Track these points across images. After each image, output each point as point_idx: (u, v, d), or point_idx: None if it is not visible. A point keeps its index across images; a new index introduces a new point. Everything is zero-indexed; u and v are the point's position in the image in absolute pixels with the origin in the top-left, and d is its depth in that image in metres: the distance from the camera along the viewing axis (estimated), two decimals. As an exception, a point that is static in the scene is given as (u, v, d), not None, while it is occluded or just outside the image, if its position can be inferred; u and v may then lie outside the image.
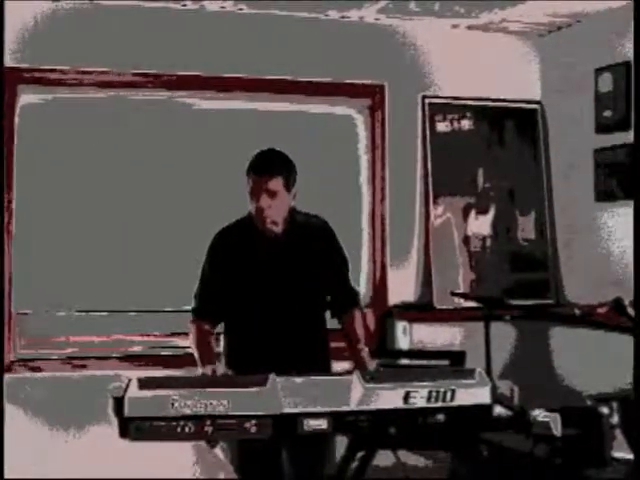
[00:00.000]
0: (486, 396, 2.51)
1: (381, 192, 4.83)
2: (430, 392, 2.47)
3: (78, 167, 4.45)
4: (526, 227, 5.04)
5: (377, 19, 4.77)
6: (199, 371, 3.02)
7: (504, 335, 4.70)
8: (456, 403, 2.48)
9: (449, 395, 2.48)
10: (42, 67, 4.32)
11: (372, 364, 3.17)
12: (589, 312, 4.27)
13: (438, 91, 4.93)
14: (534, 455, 2.86)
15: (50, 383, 4.28)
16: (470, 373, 2.56)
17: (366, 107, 4.87)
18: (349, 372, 2.60)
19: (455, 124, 4.97)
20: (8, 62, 4.00)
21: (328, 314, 3.40)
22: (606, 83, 4.58)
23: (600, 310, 4.14)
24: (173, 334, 4.48)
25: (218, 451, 3.45)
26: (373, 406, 2.44)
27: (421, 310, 4.80)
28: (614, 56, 4.50)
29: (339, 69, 4.74)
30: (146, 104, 4.55)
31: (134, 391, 2.39)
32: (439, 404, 2.47)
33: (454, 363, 4.08)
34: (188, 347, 3.27)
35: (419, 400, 2.46)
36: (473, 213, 4.95)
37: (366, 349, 3.23)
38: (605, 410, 2.94)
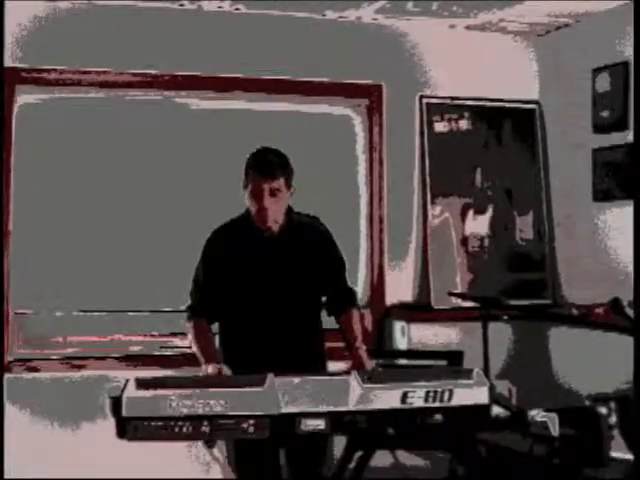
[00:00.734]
0: (484, 396, 2.51)
1: (379, 192, 4.82)
2: (428, 392, 2.47)
3: (76, 167, 4.44)
4: (524, 227, 5.04)
5: (375, 19, 4.77)
6: (202, 368, 2.99)
7: (502, 335, 4.70)
8: (454, 403, 2.49)
9: (447, 395, 2.48)
10: (40, 67, 4.32)
11: (370, 364, 3.17)
12: (587, 312, 4.27)
13: (436, 91, 4.92)
14: (532, 455, 2.86)
15: (48, 383, 4.27)
16: (468, 373, 2.56)
17: (364, 107, 4.87)
18: (347, 372, 2.60)
19: (453, 124, 4.96)
20: (7, 62, 3.99)
21: (324, 314, 3.39)
22: (604, 83, 4.58)
23: (598, 310, 4.14)
24: (172, 334, 4.48)
25: (216, 451, 3.46)
26: (371, 406, 2.45)
27: (419, 310, 4.78)
28: (612, 56, 4.50)
29: (337, 69, 4.74)
30: (144, 104, 4.55)
31: (132, 391, 2.40)
32: (437, 404, 2.48)
33: (452, 363, 4.08)
34: (187, 347, 3.25)
35: (417, 400, 2.47)
36: (471, 213, 4.94)
37: (364, 348, 3.22)
38: (603, 410, 2.95)
